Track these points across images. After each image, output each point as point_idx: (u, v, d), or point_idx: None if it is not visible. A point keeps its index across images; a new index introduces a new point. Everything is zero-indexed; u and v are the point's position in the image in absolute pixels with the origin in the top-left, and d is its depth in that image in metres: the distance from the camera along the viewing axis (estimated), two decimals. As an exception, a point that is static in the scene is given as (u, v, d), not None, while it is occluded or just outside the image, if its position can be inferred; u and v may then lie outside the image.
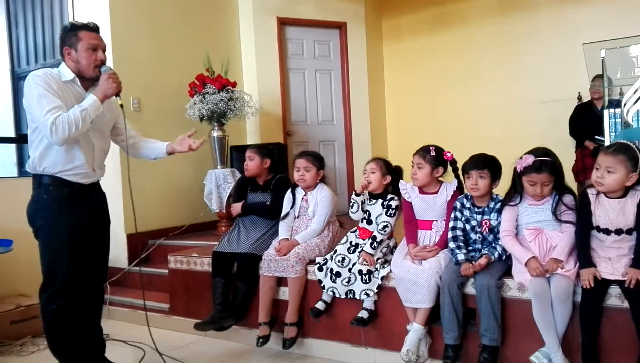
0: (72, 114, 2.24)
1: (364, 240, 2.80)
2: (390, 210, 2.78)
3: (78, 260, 2.45)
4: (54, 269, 2.34)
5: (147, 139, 2.80)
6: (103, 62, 2.40)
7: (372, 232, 2.78)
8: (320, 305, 2.81)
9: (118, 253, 4.15)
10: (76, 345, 2.44)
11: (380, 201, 2.83)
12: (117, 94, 2.40)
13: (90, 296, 2.53)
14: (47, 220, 2.34)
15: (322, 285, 2.77)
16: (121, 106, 2.48)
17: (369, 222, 2.84)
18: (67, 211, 2.35)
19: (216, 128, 4.36)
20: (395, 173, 2.87)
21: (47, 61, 4.91)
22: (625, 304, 2.10)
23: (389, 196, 2.82)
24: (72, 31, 2.36)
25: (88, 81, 2.42)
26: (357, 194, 2.82)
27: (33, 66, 4.96)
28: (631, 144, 2.23)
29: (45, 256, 2.36)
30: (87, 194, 2.45)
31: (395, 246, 2.88)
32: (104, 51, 2.42)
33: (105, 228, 2.62)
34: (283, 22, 5.41)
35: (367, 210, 2.86)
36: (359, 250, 2.76)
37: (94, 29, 2.41)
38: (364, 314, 2.69)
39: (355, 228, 2.92)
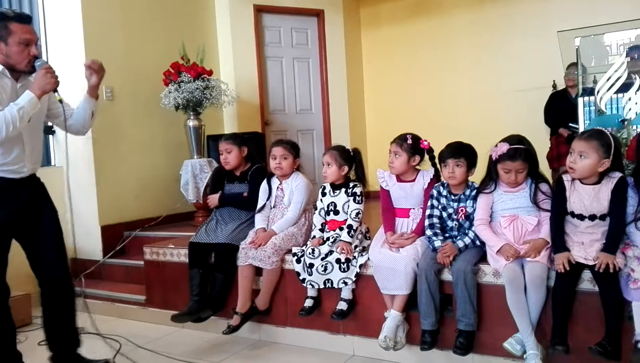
0: (9, 112, 2.13)
1: (334, 231, 2.81)
2: (357, 197, 2.79)
3: (29, 255, 2.41)
4: None
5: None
6: (36, 57, 2.26)
7: (342, 222, 2.79)
8: (308, 303, 2.80)
9: (93, 246, 4.08)
10: (9, 348, 2.40)
11: (343, 190, 2.84)
12: (55, 90, 2.27)
13: (56, 291, 2.48)
14: None
15: (300, 277, 2.77)
16: (60, 101, 2.35)
17: (336, 213, 2.84)
18: None
19: (192, 117, 4.29)
20: (353, 159, 2.85)
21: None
22: (597, 288, 2.14)
23: (351, 183, 2.83)
24: (2, 22, 2.19)
25: (18, 73, 2.29)
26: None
27: None
28: (606, 130, 2.26)
29: None
30: (17, 188, 2.33)
31: (367, 231, 2.90)
32: (36, 44, 2.28)
33: (49, 217, 2.49)
34: (260, 10, 5.33)
35: (332, 202, 2.85)
36: (330, 241, 2.75)
37: (26, 20, 2.25)
38: (343, 306, 2.70)
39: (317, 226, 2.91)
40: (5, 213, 2.30)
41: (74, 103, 2.58)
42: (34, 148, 2.42)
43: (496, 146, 2.39)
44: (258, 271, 2.94)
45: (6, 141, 2.22)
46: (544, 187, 2.38)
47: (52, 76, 2.23)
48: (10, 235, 2.37)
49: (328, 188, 2.90)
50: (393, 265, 2.47)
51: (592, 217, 2.20)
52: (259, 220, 3.05)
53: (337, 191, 2.86)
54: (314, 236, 2.86)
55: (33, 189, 2.45)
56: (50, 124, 2.61)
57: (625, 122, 3.33)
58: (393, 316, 2.48)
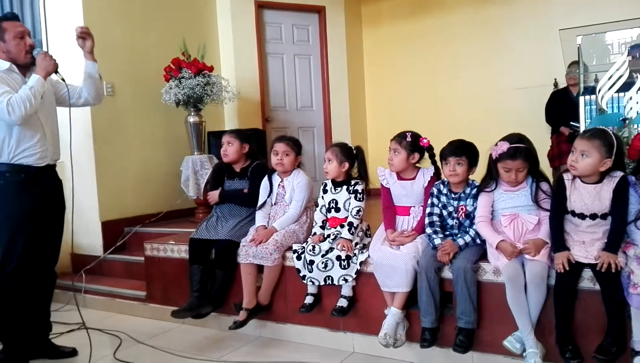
0: (22, 92, 2.38)
1: (335, 228, 2.81)
2: (358, 194, 2.79)
3: (33, 244, 2.54)
4: (10, 249, 2.46)
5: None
6: (32, 47, 2.54)
7: (343, 219, 2.80)
8: (309, 300, 2.80)
9: (93, 241, 4.09)
10: (21, 331, 2.53)
11: (344, 187, 2.84)
12: (57, 71, 2.56)
13: (41, 280, 2.64)
14: (3, 203, 2.46)
15: (301, 274, 2.77)
16: (63, 80, 2.63)
17: (337, 210, 2.84)
18: (23, 195, 2.47)
19: (193, 113, 4.29)
20: (354, 156, 2.86)
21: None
22: (597, 286, 2.14)
23: (353, 181, 2.83)
24: None
25: (24, 68, 2.56)
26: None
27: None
28: (608, 130, 2.25)
29: (1, 237, 2.47)
30: (42, 179, 2.56)
31: (368, 229, 2.90)
32: (30, 36, 2.56)
33: (60, 214, 2.73)
34: (261, 6, 5.32)
35: (333, 199, 2.86)
36: (331, 238, 2.75)
37: (13, 18, 2.56)
38: (343, 303, 2.71)
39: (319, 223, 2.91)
40: (35, 204, 2.51)
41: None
42: (53, 132, 2.66)
43: (496, 144, 2.38)
44: (260, 267, 2.94)
45: (27, 122, 2.44)
46: (544, 186, 2.38)
47: (51, 58, 2.52)
48: (42, 223, 2.55)
49: (329, 185, 2.90)
50: (393, 263, 2.48)
51: (593, 216, 2.20)
52: (260, 217, 3.05)
53: (339, 189, 2.86)
54: (315, 233, 2.86)
55: (55, 182, 2.69)
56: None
57: (627, 121, 3.31)
58: (393, 314, 2.48)
